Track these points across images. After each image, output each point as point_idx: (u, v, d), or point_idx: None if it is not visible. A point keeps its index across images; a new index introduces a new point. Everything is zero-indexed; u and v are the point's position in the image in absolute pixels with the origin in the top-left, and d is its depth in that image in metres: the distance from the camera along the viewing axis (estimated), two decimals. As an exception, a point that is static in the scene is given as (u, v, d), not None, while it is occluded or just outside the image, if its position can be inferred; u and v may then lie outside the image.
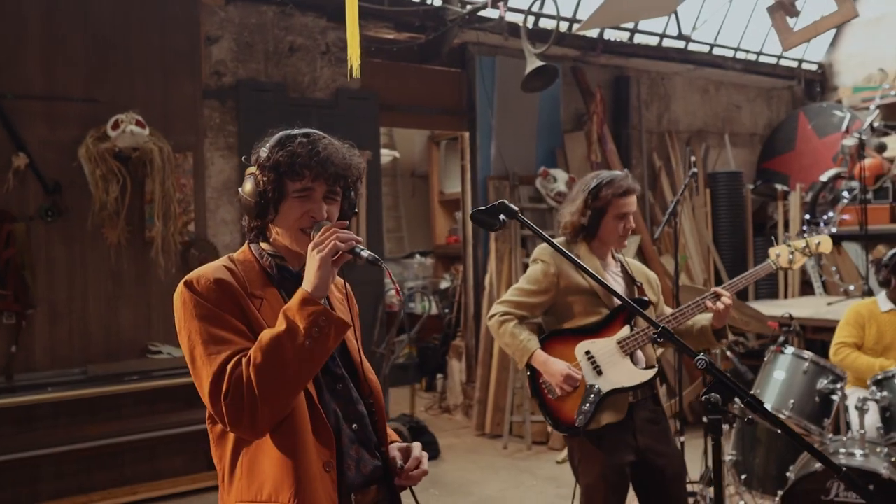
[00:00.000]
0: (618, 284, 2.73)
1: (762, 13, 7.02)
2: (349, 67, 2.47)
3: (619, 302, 2.64)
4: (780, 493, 3.20)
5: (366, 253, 1.46)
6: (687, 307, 2.62)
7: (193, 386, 1.49)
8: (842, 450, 3.18)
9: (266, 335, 1.42)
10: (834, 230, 6.29)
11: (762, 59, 7.29)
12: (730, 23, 6.90)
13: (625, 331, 2.61)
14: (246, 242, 1.63)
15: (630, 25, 6.38)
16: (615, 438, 2.57)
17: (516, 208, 1.46)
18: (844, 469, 1.28)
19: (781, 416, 3.37)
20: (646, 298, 2.65)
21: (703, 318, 2.68)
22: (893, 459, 3.13)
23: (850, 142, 6.39)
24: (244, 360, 1.41)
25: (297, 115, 2.36)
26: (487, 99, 5.96)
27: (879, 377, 3.30)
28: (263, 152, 1.55)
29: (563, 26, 6.07)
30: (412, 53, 5.70)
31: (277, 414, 1.42)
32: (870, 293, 5.84)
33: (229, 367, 1.41)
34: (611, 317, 2.64)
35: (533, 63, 4.86)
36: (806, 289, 6.48)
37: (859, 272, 6.20)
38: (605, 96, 6.33)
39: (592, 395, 2.55)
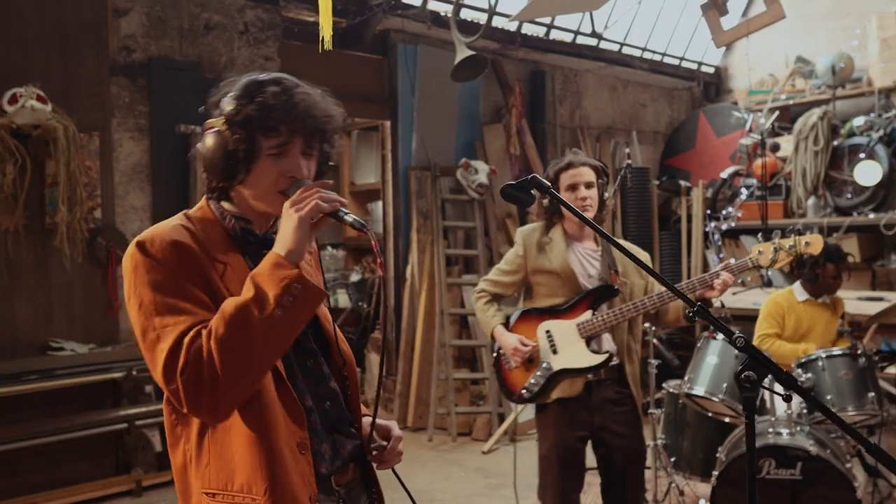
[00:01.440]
0: (592, 268, 2.79)
1: (668, 15, 7.31)
2: (320, 39, 2.33)
3: (588, 285, 2.75)
4: (715, 473, 3.31)
5: (350, 217, 1.32)
6: (665, 293, 2.64)
7: (99, 385, 1.35)
8: (770, 429, 3.33)
9: (230, 304, 1.26)
10: (734, 224, 6.69)
11: (666, 59, 7.58)
12: (638, 23, 7.13)
13: (586, 315, 2.72)
14: (203, 199, 1.43)
15: (547, 21, 6.47)
16: (569, 414, 2.72)
17: (548, 183, 1.41)
18: (875, 445, 1.30)
19: (714, 399, 3.51)
20: (614, 286, 2.70)
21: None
22: (818, 437, 3.31)
23: (747, 141, 6.75)
24: (204, 332, 1.25)
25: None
26: (409, 88, 5.88)
27: (803, 360, 3.48)
28: (228, 104, 1.34)
29: (483, 18, 6.07)
30: (333, 38, 5.51)
31: (242, 394, 1.27)
32: (769, 284, 6.20)
33: (186, 340, 1.24)
34: (578, 300, 2.74)
35: (463, 52, 4.82)
36: (707, 280, 6.79)
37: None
38: (522, 90, 6.39)
39: (541, 372, 2.72)
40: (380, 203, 6.41)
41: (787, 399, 1.31)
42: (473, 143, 6.28)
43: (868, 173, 5.98)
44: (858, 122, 6.26)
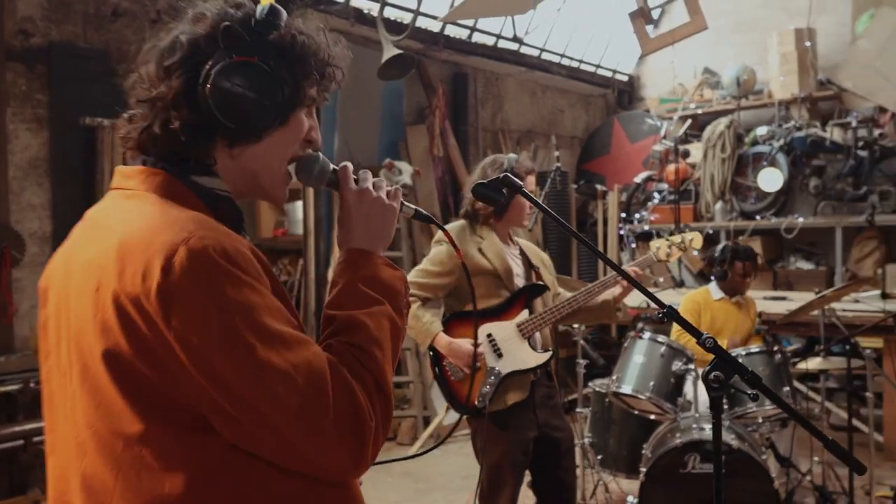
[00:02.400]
0: (518, 267, 2.80)
1: (585, 23, 7.51)
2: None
3: (518, 285, 2.76)
4: (643, 470, 3.42)
5: (413, 207, 1.24)
6: (595, 286, 2.78)
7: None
8: (694, 425, 3.47)
9: (369, 323, 1.04)
10: (647, 227, 6.93)
11: (583, 66, 7.78)
12: (557, 30, 7.28)
13: (524, 314, 2.71)
14: (162, 172, 1.03)
15: (470, 23, 6.51)
16: (520, 416, 2.67)
17: (521, 182, 1.40)
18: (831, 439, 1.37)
19: (641, 397, 3.62)
20: (542, 283, 2.76)
21: (605, 294, 2.86)
22: (738, 431, 3.47)
23: (659, 147, 7.02)
24: (349, 358, 1.00)
25: (123, 89, 2.05)
26: (332, 86, 5.78)
27: (724, 358, 3.63)
28: (267, 29, 1.04)
29: (408, 18, 6.06)
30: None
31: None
32: (681, 284, 6.46)
33: (347, 374, 0.97)
34: (511, 300, 2.71)
35: (390, 51, 4.79)
36: (622, 281, 7.02)
37: (667, 266, 6.83)
38: (446, 91, 6.41)
39: (493, 377, 2.63)
40: (299, 203, 6.28)
41: (755, 398, 1.35)
42: (397, 143, 6.26)
43: (770, 180, 6.33)
44: (761, 131, 6.62)
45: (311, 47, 1.08)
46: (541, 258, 2.93)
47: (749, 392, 1.36)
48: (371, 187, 1.16)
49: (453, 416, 5.48)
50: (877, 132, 6.15)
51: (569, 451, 2.83)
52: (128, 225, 0.97)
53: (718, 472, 1.42)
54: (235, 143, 1.05)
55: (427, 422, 5.39)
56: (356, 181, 1.17)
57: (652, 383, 3.61)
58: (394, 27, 5.64)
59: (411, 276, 2.72)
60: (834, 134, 6.32)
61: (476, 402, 2.62)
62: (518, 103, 7.44)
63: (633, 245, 7.06)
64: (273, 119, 1.05)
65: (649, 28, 3.96)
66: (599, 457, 3.98)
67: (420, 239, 6.05)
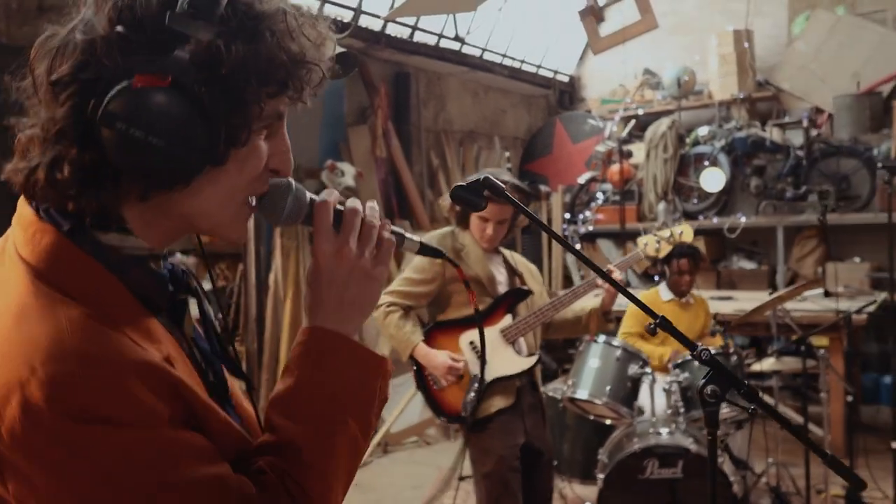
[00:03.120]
0: (500, 274, 2.74)
1: (527, 24, 7.45)
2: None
3: (501, 291, 2.69)
4: (601, 476, 3.34)
5: (416, 239, 0.98)
6: (580, 287, 2.74)
7: None
8: (650, 429, 3.41)
9: (317, 447, 0.80)
10: (591, 228, 6.92)
11: (525, 67, 7.73)
12: (499, 30, 7.21)
13: (507, 319, 2.65)
14: (53, 231, 0.76)
15: (411, 22, 6.37)
16: (508, 423, 2.63)
17: (503, 185, 1.26)
18: (830, 456, 1.28)
19: (598, 403, 3.53)
20: (526, 288, 2.70)
21: (588, 304, 2.81)
22: (694, 434, 3.42)
23: (602, 148, 7.02)
24: (282, 497, 0.78)
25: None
26: (269, 85, 5.56)
27: (680, 361, 3.59)
28: (196, 29, 0.72)
29: (348, 16, 5.88)
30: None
31: None
32: (627, 285, 6.45)
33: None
34: (494, 306, 2.64)
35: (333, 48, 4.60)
36: (567, 283, 6.98)
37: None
38: (388, 91, 6.25)
39: (477, 385, 2.58)
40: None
41: (752, 414, 1.25)
42: (338, 144, 6.06)
43: (712, 180, 6.38)
44: (702, 131, 6.68)
45: (273, 43, 0.75)
46: (527, 267, 2.90)
47: (748, 407, 1.25)
48: (354, 240, 0.87)
49: (401, 423, 5.32)
50: (814, 132, 6.27)
51: (549, 463, 2.81)
52: None
53: (713, 488, 1.31)
54: (148, 193, 0.76)
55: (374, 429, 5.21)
56: (337, 222, 0.88)
57: (608, 388, 3.52)
58: (334, 26, 5.45)
59: (394, 285, 2.68)
60: (773, 134, 6.41)
61: (462, 412, 2.60)
62: (460, 103, 7.33)
63: (578, 246, 7.04)
64: (199, 164, 0.74)
65: (599, 27, 3.92)
66: (555, 463, 3.88)
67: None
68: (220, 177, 0.78)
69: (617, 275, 2.78)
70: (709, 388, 1.27)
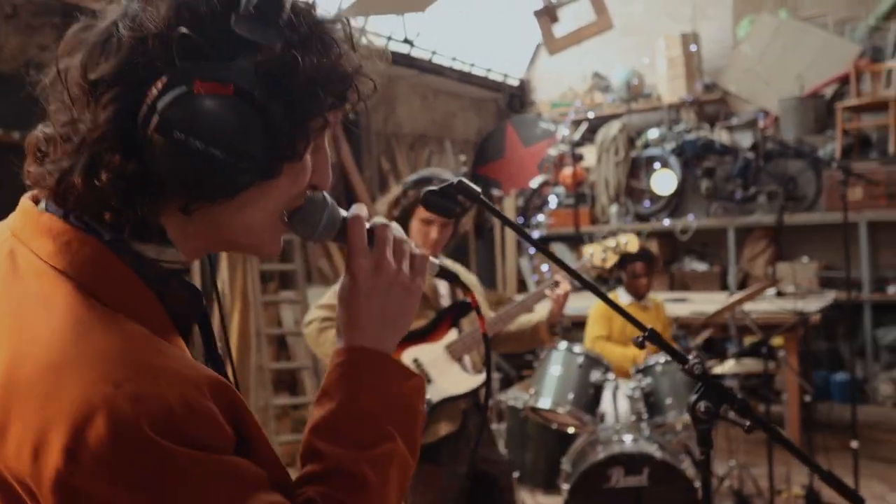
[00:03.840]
0: (443, 285, 2.55)
1: (477, 26, 7.38)
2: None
3: (444, 304, 2.50)
4: (566, 486, 3.25)
5: (435, 261, 0.96)
6: (528, 299, 2.56)
7: None
8: (614, 437, 3.34)
9: (370, 469, 0.76)
10: (545, 232, 6.88)
11: (475, 70, 7.66)
12: (448, 33, 7.12)
13: (451, 335, 2.43)
14: (92, 241, 0.69)
15: (360, 24, 6.22)
16: (452, 449, 2.37)
17: (478, 189, 1.15)
18: (826, 471, 1.20)
19: (561, 412, 3.45)
20: (469, 300, 2.52)
21: (535, 316, 2.61)
22: (658, 440, 3.37)
23: (554, 151, 6.99)
24: None
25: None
26: (213, 88, 5.34)
27: (642, 366, 3.53)
28: (262, 33, 0.68)
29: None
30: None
31: None
32: (581, 288, 6.42)
33: None
34: (437, 320, 2.43)
35: (278, 50, 4.43)
36: (521, 287, 6.92)
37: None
38: (336, 95, 6.10)
39: (424, 407, 2.34)
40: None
41: (749, 430, 1.16)
42: (285, 149, 5.88)
43: (663, 182, 6.41)
44: (653, 134, 6.71)
45: (338, 53, 0.72)
46: (468, 279, 2.68)
47: (744, 425, 1.17)
48: (391, 254, 0.84)
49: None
50: (761, 134, 6.35)
51: (507, 488, 2.55)
52: (22, 342, 0.64)
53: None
54: (193, 205, 0.71)
55: (328, 446, 5.04)
56: (371, 239, 0.85)
57: (571, 395, 3.44)
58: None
59: (326, 299, 2.39)
60: (721, 136, 6.47)
61: None
62: (410, 107, 7.22)
63: (532, 251, 6.98)
64: (254, 177, 0.71)
65: (555, 28, 3.88)
66: (517, 474, 3.79)
67: (315, 251, 5.70)
68: (269, 191, 0.74)
69: (566, 284, 2.58)
70: (702, 405, 1.18)
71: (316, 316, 2.39)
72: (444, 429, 2.34)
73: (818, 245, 6.12)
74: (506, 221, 1.19)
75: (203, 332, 0.84)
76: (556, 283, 2.56)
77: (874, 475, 4.08)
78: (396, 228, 0.88)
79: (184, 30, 0.66)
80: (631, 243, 2.84)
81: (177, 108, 0.65)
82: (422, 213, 2.37)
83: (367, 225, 0.86)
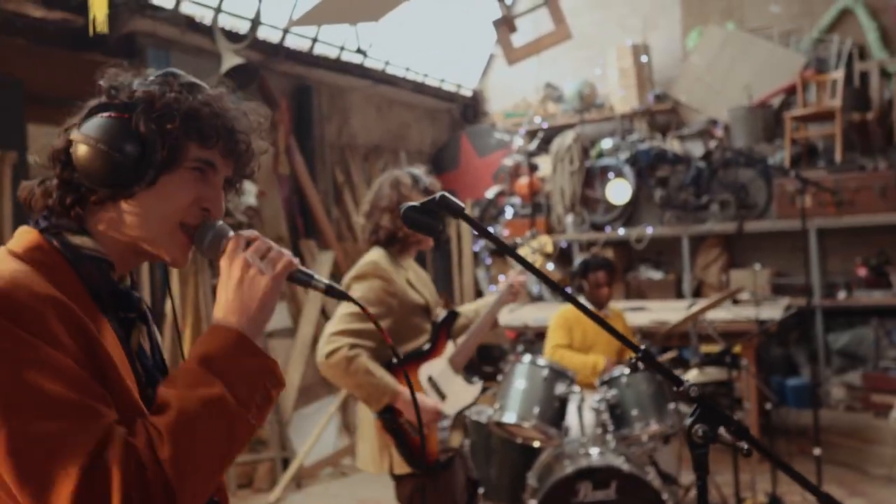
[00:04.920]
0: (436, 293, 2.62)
1: (430, 37, 7.35)
2: (91, 18, 1.79)
3: (436, 316, 2.53)
4: (533, 502, 3.21)
5: (323, 283, 1.09)
6: (493, 307, 2.60)
7: None
8: (581, 450, 3.31)
9: (187, 402, 0.92)
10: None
11: (428, 81, 7.62)
12: (402, 43, 7.06)
13: (450, 347, 2.48)
14: (33, 233, 1.02)
15: (312, 34, 6.13)
16: (458, 460, 2.51)
17: (462, 204, 1.09)
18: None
19: (527, 426, 3.40)
20: (455, 309, 2.54)
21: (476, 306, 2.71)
22: (624, 452, 3.34)
23: (509, 162, 6.98)
24: (141, 444, 0.88)
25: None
26: (160, 99, 5.18)
27: (606, 378, 3.51)
28: (143, 86, 1.03)
29: (244, 27, 5.58)
30: (69, 38, 4.68)
31: None
32: (540, 298, 6.41)
33: (110, 455, 0.85)
34: (436, 333, 2.47)
35: (232, 60, 4.32)
36: (479, 296, 6.88)
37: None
38: (289, 105, 5.98)
39: (446, 422, 2.40)
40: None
41: (748, 454, 1.12)
42: (237, 161, 5.72)
43: (618, 192, 6.45)
44: (606, 144, 6.75)
45: (203, 107, 1.03)
46: (425, 280, 2.69)
47: (743, 448, 1.12)
48: (247, 256, 1.04)
49: (314, 456, 5.04)
50: (712, 143, 6.45)
51: (476, 493, 2.71)
52: None
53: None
54: (102, 201, 1.02)
55: (286, 464, 4.90)
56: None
57: (536, 409, 3.40)
58: (230, 37, 5.15)
59: (344, 323, 2.28)
60: (673, 146, 6.55)
61: (440, 457, 2.36)
62: (364, 118, 7.13)
63: (489, 262, 6.95)
64: (134, 177, 1.01)
65: (513, 37, 3.87)
66: (482, 490, 3.73)
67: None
68: (152, 197, 1.03)
69: (522, 277, 2.68)
70: (699, 429, 1.13)
71: (338, 344, 2.25)
72: (456, 439, 2.44)
73: (769, 252, 6.24)
74: (493, 239, 1.13)
75: (125, 330, 1.04)
76: (512, 286, 2.62)
77: (833, 479, 4.14)
78: (260, 237, 1.07)
79: (111, 83, 1.05)
80: (547, 244, 2.95)
81: (87, 124, 1.02)
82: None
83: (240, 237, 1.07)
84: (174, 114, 1.01)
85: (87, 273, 1.00)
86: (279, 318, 5.48)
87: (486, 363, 6.08)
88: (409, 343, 2.41)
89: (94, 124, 1.01)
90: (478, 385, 2.51)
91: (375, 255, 2.40)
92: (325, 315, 5.50)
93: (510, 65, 3.84)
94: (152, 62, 5.09)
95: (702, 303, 3.60)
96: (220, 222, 1.08)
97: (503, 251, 1.18)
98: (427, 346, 2.43)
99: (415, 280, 2.44)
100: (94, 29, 1.95)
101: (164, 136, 1.01)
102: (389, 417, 2.30)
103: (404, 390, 2.25)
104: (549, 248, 3.05)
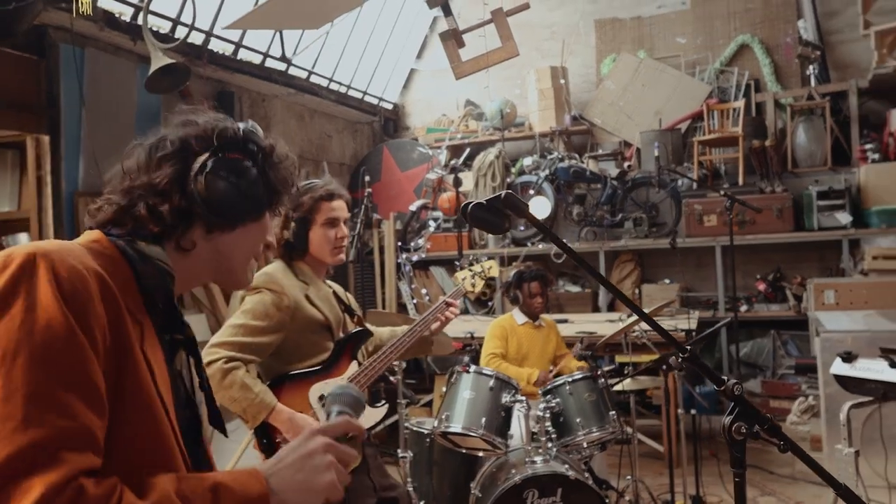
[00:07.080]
0: (340, 313, 2.46)
1: (354, 49, 7.33)
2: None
3: (341, 334, 2.41)
4: (482, 511, 3.24)
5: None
6: (416, 325, 2.57)
7: None
8: (526, 459, 3.38)
9: (159, 500, 0.91)
10: (424, 255, 6.90)
11: (351, 92, 7.60)
12: (325, 54, 7.02)
13: (353, 367, 2.36)
14: (97, 233, 1.07)
15: (235, 38, 5.99)
16: (357, 485, 2.30)
17: (527, 203, 1.12)
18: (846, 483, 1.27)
19: (474, 435, 3.44)
20: (365, 328, 2.45)
21: (398, 330, 2.65)
22: (566, 460, 3.44)
23: (432, 176, 7.05)
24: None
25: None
26: (77, 98, 4.91)
27: (549, 387, 3.61)
28: (258, 138, 1.21)
29: (166, 27, 5.40)
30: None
31: None
32: (465, 311, 6.49)
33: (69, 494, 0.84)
34: (338, 352, 2.34)
35: (160, 60, 4.16)
36: (401, 310, 6.89)
37: (444, 293, 6.85)
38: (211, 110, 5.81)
39: None
40: (22, 235, 5.23)
41: (784, 450, 1.20)
42: (156, 167, 5.50)
43: (538, 208, 6.64)
44: (527, 161, 6.95)
45: (283, 161, 1.20)
46: (348, 298, 2.59)
47: (779, 444, 1.21)
48: (338, 450, 1.10)
49: (244, 462, 4.86)
50: (625, 164, 6.76)
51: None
52: None
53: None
54: (213, 229, 1.13)
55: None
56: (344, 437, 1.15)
57: (483, 419, 3.45)
58: (154, 37, 4.97)
59: (227, 335, 2.19)
60: (589, 165, 6.82)
61: None
62: (286, 126, 7.02)
63: (411, 274, 6.98)
64: (250, 212, 1.15)
65: (460, 51, 3.94)
66: (422, 503, 3.73)
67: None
68: (252, 230, 1.17)
69: (456, 309, 2.66)
70: (740, 426, 1.20)
71: (217, 356, 2.15)
72: (350, 464, 2.29)
73: (677, 268, 6.59)
74: (557, 242, 1.17)
75: (171, 349, 1.10)
76: (448, 305, 2.61)
77: (745, 481, 4.41)
78: (350, 423, 1.14)
79: (222, 126, 1.17)
80: (493, 268, 3.00)
81: (219, 163, 1.12)
82: (323, 215, 2.31)
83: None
84: (278, 166, 1.18)
85: (147, 274, 1.04)
86: (202, 329, 5.29)
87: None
88: (308, 360, 2.29)
89: (225, 163, 1.11)
90: (382, 408, 2.42)
91: (272, 266, 2.33)
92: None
93: (457, 79, 3.91)
94: (65, 59, 4.82)
95: (630, 318, 3.77)
96: (349, 386, 1.23)
97: (570, 256, 1.21)
98: (319, 365, 2.30)
99: (315, 295, 2.33)
100: (77, 11, 1.82)
101: (272, 181, 1.17)
102: (263, 434, 2.21)
103: (284, 408, 2.16)
104: (495, 272, 3.08)
